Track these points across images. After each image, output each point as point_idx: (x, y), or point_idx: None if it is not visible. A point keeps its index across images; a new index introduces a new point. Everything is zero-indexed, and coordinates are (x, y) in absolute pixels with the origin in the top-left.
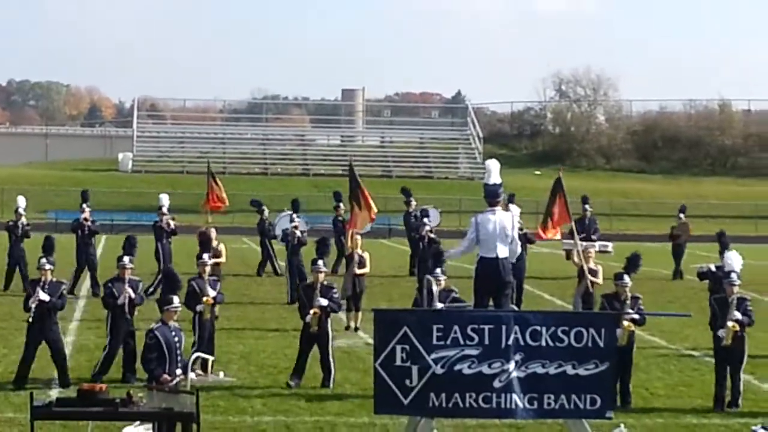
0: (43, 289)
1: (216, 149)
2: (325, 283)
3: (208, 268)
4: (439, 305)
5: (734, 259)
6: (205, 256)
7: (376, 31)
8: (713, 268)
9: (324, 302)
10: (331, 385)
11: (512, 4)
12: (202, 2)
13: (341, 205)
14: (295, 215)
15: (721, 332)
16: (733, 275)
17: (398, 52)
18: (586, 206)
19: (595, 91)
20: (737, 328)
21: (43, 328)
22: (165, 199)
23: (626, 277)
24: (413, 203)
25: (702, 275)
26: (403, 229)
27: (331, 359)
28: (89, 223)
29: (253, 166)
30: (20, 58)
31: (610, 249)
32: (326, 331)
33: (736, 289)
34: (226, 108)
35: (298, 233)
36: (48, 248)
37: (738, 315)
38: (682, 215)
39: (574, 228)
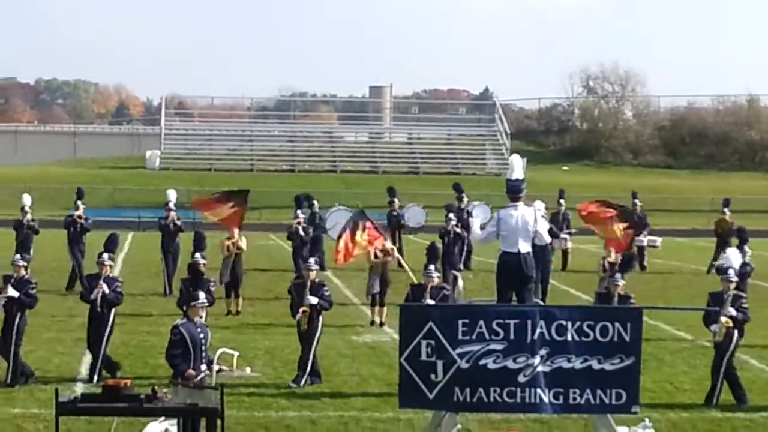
0: (13, 285)
1: (243, 147)
2: (317, 280)
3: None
4: (430, 302)
5: (733, 257)
6: (198, 255)
7: (403, 27)
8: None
9: (314, 300)
10: (302, 383)
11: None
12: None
13: (396, 200)
14: (451, 213)
15: (713, 327)
16: (731, 272)
17: (426, 48)
18: (636, 201)
19: (623, 86)
20: (730, 324)
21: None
22: (172, 195)
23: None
24: (396, 203)
25: (720, 270)
26: (429, 224)
27: (311, 358)
28: (82, 220)
29: (280, 163)
30: (48, 56)
31: (658, 243)
32: (315, 330)
33: (732, 285)
34: (254, 105)
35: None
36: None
37: (732, 311)
38: (726, 210)
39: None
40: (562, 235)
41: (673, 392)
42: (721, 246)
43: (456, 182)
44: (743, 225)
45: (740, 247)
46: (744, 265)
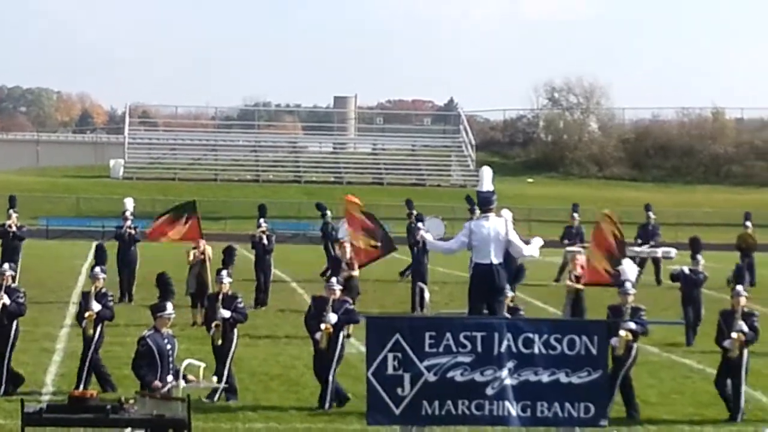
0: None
1: (207, 156)
2: (230, 293)
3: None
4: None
5: (629, 269)
6: (224, 273)
7: (368, 38)
8: (687, 271)
9: (226, 314)
10: (215, 399)
11: (505, 11)
12: (194, 9)
13: (414, 212)
14: (420, 223)
15: (726, 343)
16: (628, 284)
17: (391, 59)
18: (650, 213)
19: (588, 99)
20: (630, 337)
21: None
22: (129, 204)
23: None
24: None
25: (674, 278)
26: (394, 235)
27: (225, 373)
28: (14, 229)
29: (244, 173)
30: (11, 64)
31: (672, 255)
32: (230, 344)
33: (630, 298)
34: (218, 115)
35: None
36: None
37: (744, 326)
38: (748, 223)
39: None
40: (573, 249)
41: (641, 406)
42: (743, 259)
43: (467, 195)
44: (697, 235)
45: (693, 257)
46: (697, 273)
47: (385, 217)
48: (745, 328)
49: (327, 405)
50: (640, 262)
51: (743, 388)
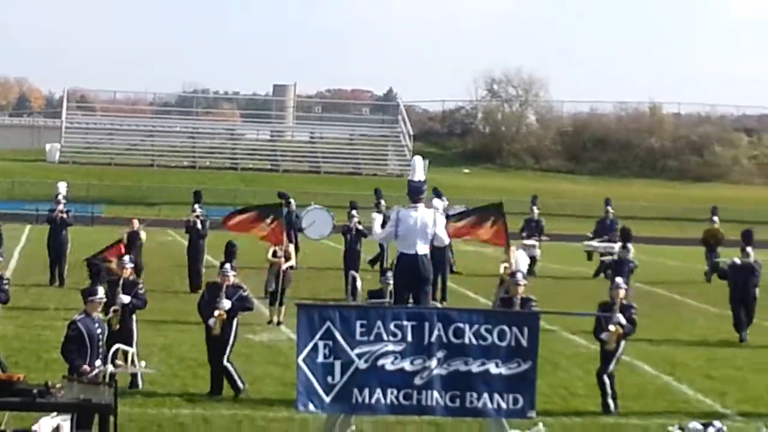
0: None
1: (144, 142)
2: (131, 278)
3: None
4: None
5: (521, 260)
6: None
7: (309, 26)
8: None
9: (126, 299)
10: (237, 393)
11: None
12: None
13: (382, 201)
14: (354, 210)
15: (604, 335)
16: (519, 275)
17: (330, 48)
18: (609, 207)
19: (527, 91)
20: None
21: None
22: (62, 188)
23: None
24: (383, 204)
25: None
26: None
27: (226, 365)
28: None
29: (182, 159)
30: None
31: (615, 250)
32: (228, 336)
33: (521, 289)
34: (157, 101)
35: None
36: None
37: (622, 319)
38: (715, 218)
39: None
40: (531, 242)
41: (568, 397)
42: (709, 255)
43: (434, 186)
44: (627, 226)
45: (624, 246)
46: (628, 261)
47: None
48: (623, 321)
49: (242, 387)
50: (601, 256)
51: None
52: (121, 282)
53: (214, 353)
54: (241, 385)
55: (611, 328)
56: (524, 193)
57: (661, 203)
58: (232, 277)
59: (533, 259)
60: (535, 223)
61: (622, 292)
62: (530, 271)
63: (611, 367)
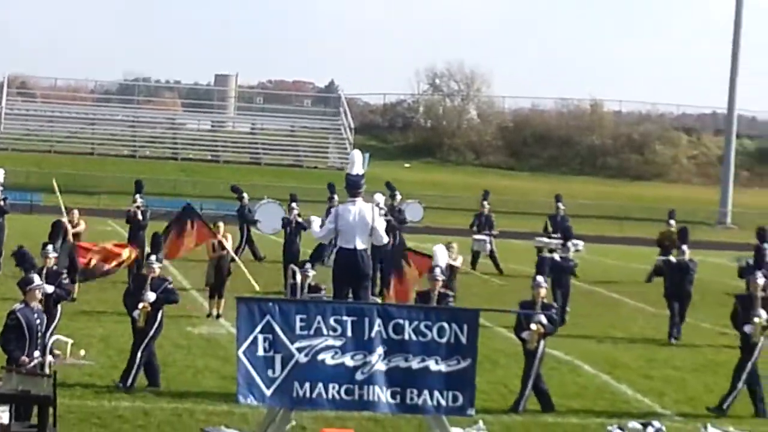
0: None
1: (85, 130)
2: (54, 268)
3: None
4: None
5: (440, 255)
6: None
7: (251, 15)
8: (557, 258)
9: (49, 289)
10: (131, 385)
11: None
12: None
13: (397, 194)
14: (294, 203)
15: (525, 334)
16: (437, 270)
17: (273, 38)
18: (560, 204)
19: (468, 86)
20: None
21: None
22: (0, 175)
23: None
24: (398, 197)
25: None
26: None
27: (139, 356)
28: None
29: (122, 148)
30: None
31: (580, 247)
32: (151, 327)
33: (439, 284)
34: (98, 88)
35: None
36: None
37: (543, 318)
38: (672, 221)
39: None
40: (481, 237)
41: (507, 395)
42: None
43: (388, 181)
44: (570, 224)
45: (564, 244)
46: (567, 260)
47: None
48: (544, 320)
49: (130, 382)
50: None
51: (532, 377)
52: (149, 280)
53: (139, 345)
54: (131, 381)
55: (532, 326)
56: (464, 188)
57: (601, 201)
58: (158, 269)
59: (477, 255)
60: (486, 218)
61: (543, 291)
62: (474, 265)
63: (536, 366)
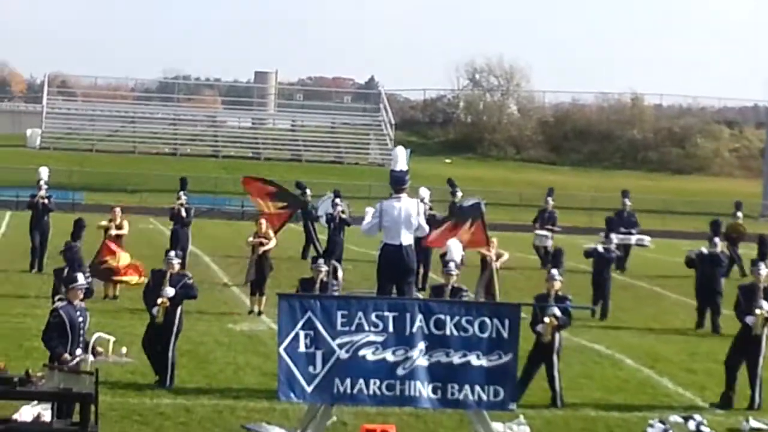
0: None
1: (126, 128)
2: (180, 272)
3: None
4: (170, 290)
5: (454, 249)
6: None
7: (291, 12)
8: (600, 249)
9: (171, 292)
10: (170, 384)
11: None
12: None
13: (458, 191)
14: (338, 199)
15: (539, 327)
16: (452, 265)
17: (313, 35)
18: (626, 200)
19: (508, 81)
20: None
21: None
22: (44, 173)
23: (555, 273)
24: (459, 194)
25: (588, 254)
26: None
27: (170, 355)
28: None
29: (162, 146)
30: None
31: (646, 242)
32: (172, 324)
33: (453, 279)
34: (138, 87)
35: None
36: None
37: (557, 311)
38: (739, 213)
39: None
40: (543, 233)
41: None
42: (731, 248)
43: (449, 177)
44: (610, 215)
45: (607, 236)
46: (609, 251)
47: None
48: (558, 313)
49: (169, 383)
50: (617, 248)
51: (556, 372)
52: (168, 275)
53: (157, 341)
54: (169, 381)
55: (546, 319)
56: (505, 183)
57: (643, 195)
58: (177, 265)
59: (545, 250)
60: (549, 214)
61: (557, 284)
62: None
63: (555, 361)
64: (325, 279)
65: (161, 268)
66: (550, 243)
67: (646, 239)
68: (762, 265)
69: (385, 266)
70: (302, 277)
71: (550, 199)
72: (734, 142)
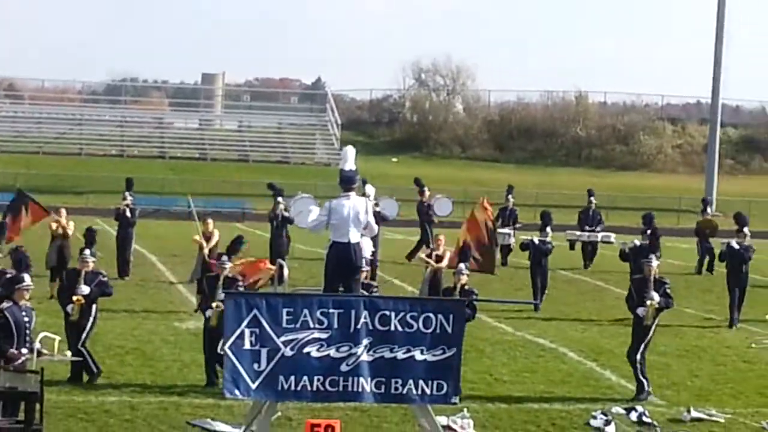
0: None
1: (73, 130)
2: (95, 270)
3: None
4: (84, 288)
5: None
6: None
7: (238, 14)
8: (536, 241)
9: (86, 290)
10: (98, 372)
11: None
12: None
13: (426, 190)
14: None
15: (640, 310)
16: (462, 266)
17: (259, 37)
18: (592, 198)
19: (454, 80)
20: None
21: None
22: None
23: (462, 267)
24: (426, 193)
25: (524, 247)
26: (256, 212)
27: (83, 350)
28: None
29: (110, 148)
30: None
31: (612, 239)
32: (86, 321)
33: (464, 279)
34: (85, 89)
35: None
36: None
37: (656, 296)
38: (709, 210)
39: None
40: (505, 231)
41: (493, 383)
42: (702, 243)
43: (416, 177)
44: (547, 210)
45: (542, 230)
46: (545, 243)
47: (249, 194)
48: (657, 298)
49: (96, 370)
50: (582, 246)
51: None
52: (83, 274)
53: (73, 339)
54: (95, 368)
55: (647, 303)
56: (451, 181)
57: (585, 192)
58: (92, 263)
59: (507, 248)
60: (510, 212)
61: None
62: (504, 261)
63: (642, 347)
64: (230, 275)
65: (75, 267)
66: (512, 241)
67: (612, 236)
68: (653, 258)
69: (333, 264)
70: (208, 274)
71: (510, 197)
72: (677, 138)
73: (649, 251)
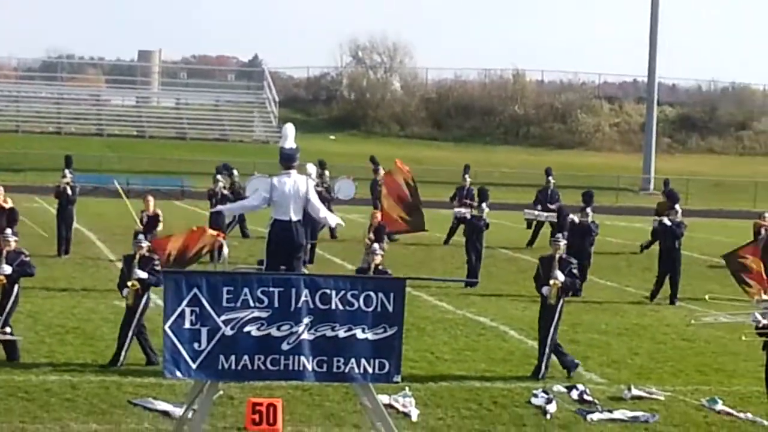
0: None
1: (9, 108)
2: (16, 249)
3: None
4: (6, 267)
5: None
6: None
7: None
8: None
9: (7, 270)
10: (17, 354)
11: None
12: None
13: (380, 168)
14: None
15: (544, 290)
16: (376, 246)
17: (196, 14)
18: (550, 177)
19: (391, 58)
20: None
21: None
22: None
23: (376, 247)
24: (381, 171)
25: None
26: (195, 190)
27: (7, 329)
28: None
29: (47, 125)
30: None
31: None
32: (8, 301)
33: (378, 259)
34: (21, 66)
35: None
36: None
37: (560, 275)
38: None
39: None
40: (462, 210)
41: (434, 362)
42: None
43: (371, 155)
44: (484, 187)
45: (478, 206)
46: (479, 219)
47: (188, 171)
48: (562, 277)
49: (15, 353)
50: (538, 225)
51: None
52: (138, 258)
53: None
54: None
55: (551, 282)
56: (389, 159)
57: (524, 170)
58: (13, 243)
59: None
60: (467, 191)
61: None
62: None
63: (552, 330)
64: (147, 254)
65: None
66: (468, 216)
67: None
68: (560, 237)
69: (275, 242)
70: (126, 254)
71: (467, 176)
72: (615, 117)
73: (558, 230)
